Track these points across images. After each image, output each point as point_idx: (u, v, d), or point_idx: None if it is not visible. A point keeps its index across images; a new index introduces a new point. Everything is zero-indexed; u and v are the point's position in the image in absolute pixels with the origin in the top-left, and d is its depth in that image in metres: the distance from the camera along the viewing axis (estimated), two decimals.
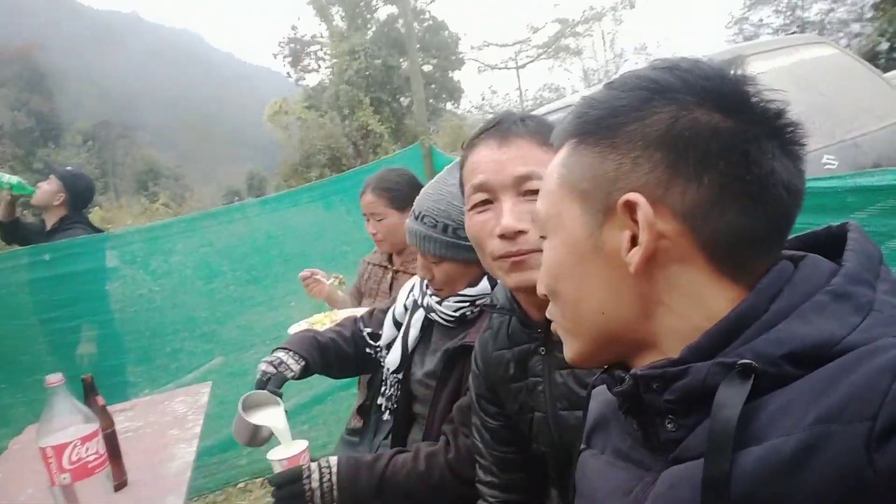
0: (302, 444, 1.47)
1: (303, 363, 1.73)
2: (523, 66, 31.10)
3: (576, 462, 0.85)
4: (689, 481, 0.59)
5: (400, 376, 1.75)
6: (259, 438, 1.56)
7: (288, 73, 26.67)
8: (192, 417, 2.05)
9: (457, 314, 1.60)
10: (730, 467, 0.54)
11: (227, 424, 3.54)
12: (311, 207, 4.12)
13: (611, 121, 0.65)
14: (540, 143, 1.11)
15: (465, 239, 1.43)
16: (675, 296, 0.64)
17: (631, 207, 0.63)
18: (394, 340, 1.81)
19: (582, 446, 0.84)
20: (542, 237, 0.74)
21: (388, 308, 1.93)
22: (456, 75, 26.34)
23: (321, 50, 25.56)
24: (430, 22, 24.39)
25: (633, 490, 0.67)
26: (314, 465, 1.45)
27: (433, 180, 1.62)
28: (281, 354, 1.74)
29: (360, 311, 2.31)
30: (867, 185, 1.38)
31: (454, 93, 26.32)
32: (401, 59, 21.82)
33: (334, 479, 1.44)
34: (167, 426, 2.00)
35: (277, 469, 1.42)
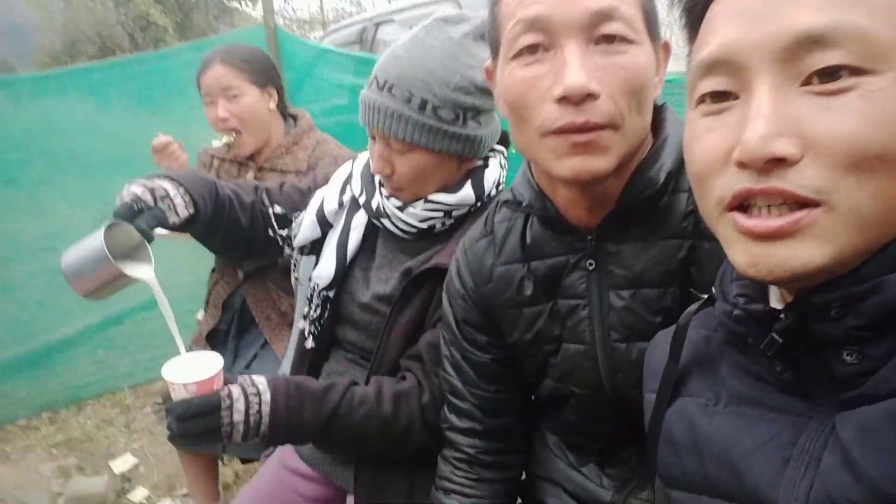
0: (216, 361, 1.08)
1: (192, 211, 1.25)
2: None
3: (659, 410, 0.70)
4: (892, 419, 0.49)
5: (331, 294, 1.37)
6: (108, 289, 1.13)
7: None
8: None
9: (423, 225, 1.26)
10: None
11: None
12: (80, 100, 3.38)
13: None
14: None
15: (448, 122, 1.16)
16: None
17: None
18: (315, 244, 1.41)
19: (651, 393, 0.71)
20: (843, 69, 0.49)
21: (307, 189, 1.47)
22: None
23: None
24: None
25: (797, 442, 0.56)
26: (236, 391, 1.07)
27: (405, 40, 1.20)
28: (167, 185, 1.22)
29: None
30: None
31: None
32: None
33: (266, 409, 1.09)
34: None
35: (180, 394, 1.03)
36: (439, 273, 1.17)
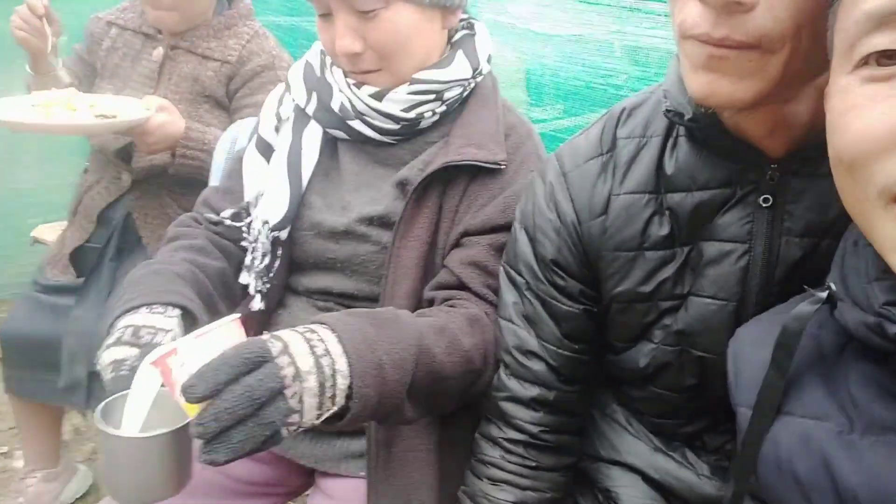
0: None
1: (177, 313, 0.85)
2: None
3: (759, 429, 0.57)
4: None
5: (284, 234, 1.02)
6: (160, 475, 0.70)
7: None
8: None
9: (410, 115, 0.98)
10: None
11: None
12: None
13: None
14: None
15: None
16: None
17: None
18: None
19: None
20: None
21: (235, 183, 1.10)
22: None
23: None
24: None
25: None
26: (294, 338, 0.67)
27: None
28: (132, 319, 0.83)
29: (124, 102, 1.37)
30: None
31: None
32: None
33: (336, 348, 0.69)
34: None
35: (199, 354, 0.64)
36: (448, 175, 0.95)
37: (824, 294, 0.55)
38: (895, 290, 0.49)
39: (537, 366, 0.86)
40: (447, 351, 0.81)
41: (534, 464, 0.87)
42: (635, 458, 0.88)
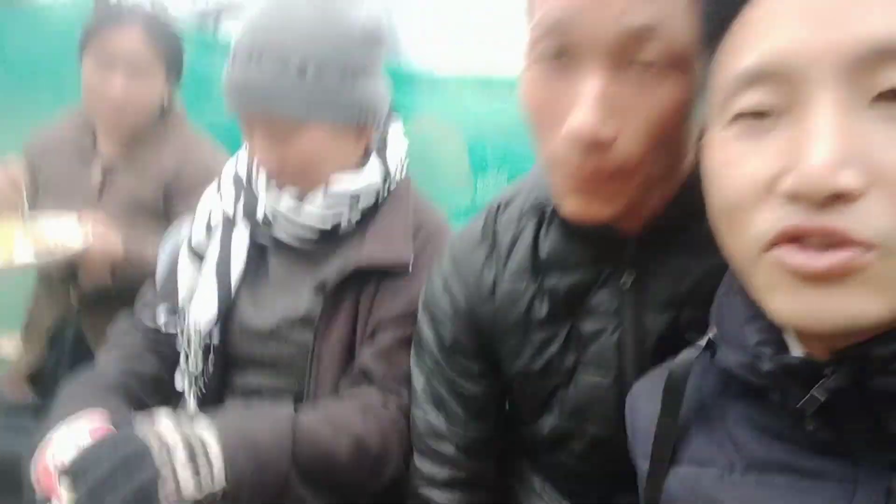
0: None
1: None
2: None
3: (657, 479, 0.59)
4: None
5: (216, 338, 1.07)
6: None
7: None
8: None
9: (326, 227, 1.03)
10: None
11: None
12: None
13: None
14: None
15: (336, 84, 0.96)
16: None
17: None
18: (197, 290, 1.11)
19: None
20: None
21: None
22: None
23: None
24: None
25: None
26: (162, 420, 0.80)
27: (259, 8, 0.98)
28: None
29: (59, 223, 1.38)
30: None
31: None
32: None
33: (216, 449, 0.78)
34: None
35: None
36: (360, 276, 1.00)
37: (704, 342, 0.58)
38: (764, 330, 0.52)
39: (447, 448, 0.88)
40: (333, 434, 0.87)
41: None
42: None
